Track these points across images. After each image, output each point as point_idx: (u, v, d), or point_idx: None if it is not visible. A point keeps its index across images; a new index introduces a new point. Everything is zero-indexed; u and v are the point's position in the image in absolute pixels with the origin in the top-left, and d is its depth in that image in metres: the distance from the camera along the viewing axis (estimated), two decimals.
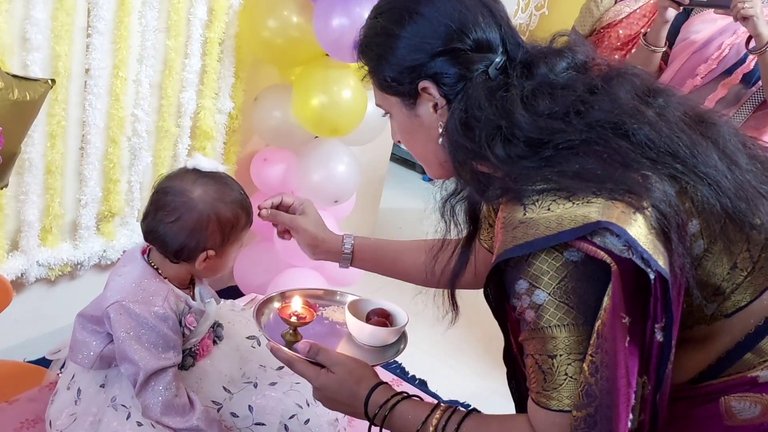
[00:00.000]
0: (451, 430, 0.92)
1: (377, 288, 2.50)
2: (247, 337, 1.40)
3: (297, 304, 1.19)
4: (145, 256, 1.25)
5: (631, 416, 0.80)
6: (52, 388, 1.35)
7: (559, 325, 0.80)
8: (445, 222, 0.99)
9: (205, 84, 2.17)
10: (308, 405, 1.29)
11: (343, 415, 1.31)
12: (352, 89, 2.14)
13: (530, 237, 0.80)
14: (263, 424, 1.26)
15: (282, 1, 2.10)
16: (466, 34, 0.90)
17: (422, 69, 0.91)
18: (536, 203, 0.81)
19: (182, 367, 1.25)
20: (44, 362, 1.45)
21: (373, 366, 1.08)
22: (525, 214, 0.81)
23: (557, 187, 0.81)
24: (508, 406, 1.07)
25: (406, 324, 1.22)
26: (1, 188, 1.62)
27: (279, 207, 1.31)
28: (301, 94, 2.18)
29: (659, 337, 0.80)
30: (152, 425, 1.17)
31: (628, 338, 0.79)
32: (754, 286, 0.87)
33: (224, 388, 1.29)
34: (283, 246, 2.29)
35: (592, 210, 0.78)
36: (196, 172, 1.22)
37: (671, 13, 1.91)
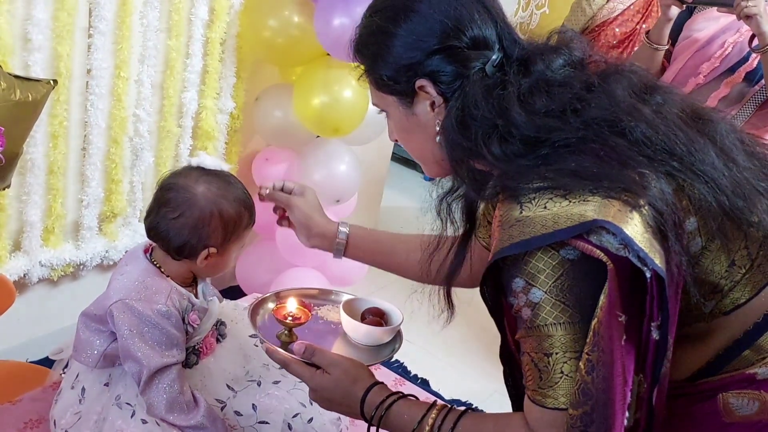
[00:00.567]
0: (447, 429, 0.92)
1: (379, 288, 2.50)
2: (250, 336, 1.39)
3: (292, 305, 1.19)
4: (148, 254, 1.25)
5: (627, 414, 0.80)
6: (55, 388, 1.35)
7: (555, 324, 0.80)
8: (442, 220, 0.99)
9: (207, 84, 2.18)
10: (311, 404, 1.29)
11: None
12: (353, 89, 2.14)
13: (527, 235, 0.80)
14: (267, 423, 1.26)
15: (283, 1, 2.11)
16: (462, 32, 0.90)
17: (419, 67, 0.91)
18: (533, 201, 0.81)
19: (186, 365, 1.25)
20: (47, 362, 1.45)
21: (369, 365, 1.08)
22: (522, 213, 0.81)
23: (554, 185, 0.81)
24: (510, 405, 1.07)
25: (401, 323, 1.22)
26: (4, 189, 1.62)
27: (281, 191, 1.31)
28: (302, 93, 2.18)
29: (655, 335, 0.80)
30: (157, 423, 1.17)
31: (624, 336, 0.79)
32: (753, 283, 0.87)
33: (228, 386, 1.29)
34: (285, 246, 2.30)
35: (589, 208, 0.78)
36: (200, 170, 1.22)
37: (674, 11, 1.90)
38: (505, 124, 0.86)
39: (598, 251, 0.77)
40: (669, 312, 0.79)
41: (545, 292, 0.80)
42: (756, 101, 1.91)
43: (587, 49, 0.93)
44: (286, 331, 1.15)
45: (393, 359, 1.32)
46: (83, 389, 1.23)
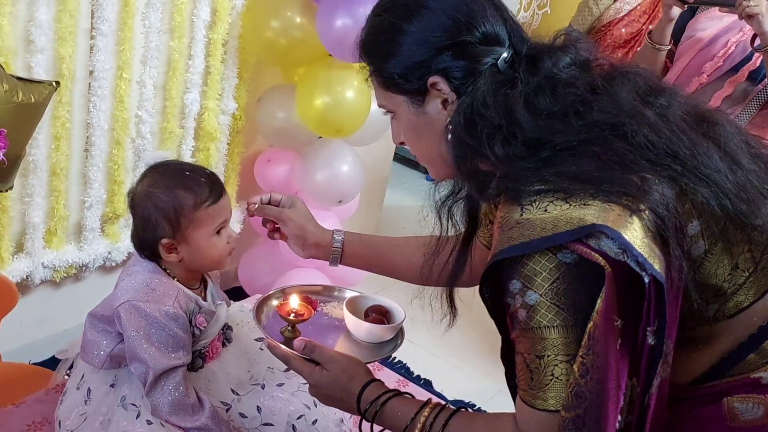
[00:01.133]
0: (438, 426, 0.93)
1: (382, 288, 2.50)
2: (255, 339, 1.40)
3: (295, 302, 1.21)
4: None
5: (619, 417, 0.80)
6: (59, 389, 1.35)
7: (548, 326, 0.81)
8: (441, 221, 0.98)
9: (209, 85, 2.18)
10: (315, 406, 1.30)
11: (350, 415, 1.31)
12: (355, 89, 2.14)
13: (526, 238, 0.80)
14: (271, 425, 1.27)
15: (285, 1, 2.11)
16: (474, 27, 0.89)
17: (431, 64, 0.90)
18: (533, 204, 0.81)
19: (192, 368, 1.26)
20: (50, 364, 1.45)
21: (370, 362, 1.10)
22: (522, 215, 0.81)
23: (555, 188, 0.81)
24: (513, 406, 1.07)
25: (403, 321, 1.23)
26: (6, 190, 1.62)
27: (269, 204, 1.31)
28: (304, 94, 2.18)
29: (651, 340, 0.80)
30: (162, 424, 1.17)
31: (619, 341, 0.79)
32: (757, 286, 0.87)
33: (232, 390, 1.30)
34: (287, 246, 2.29)
35: (588, 213, 0.78)
36: (150, 169, 1.24)
37: (676, 11, 1.90)
38: (509, 124, 0.86)
39: (596, 255, 0.77)
40: (667, 317, 0.79)
41: (541, 295, 0.80)
42: (759, 100, 1.91)
43: (593, 49, 0.93)
44: (289, 327, 1.17)
45: (396, 360, 1.33)
46: (89, 390, 1.23)
